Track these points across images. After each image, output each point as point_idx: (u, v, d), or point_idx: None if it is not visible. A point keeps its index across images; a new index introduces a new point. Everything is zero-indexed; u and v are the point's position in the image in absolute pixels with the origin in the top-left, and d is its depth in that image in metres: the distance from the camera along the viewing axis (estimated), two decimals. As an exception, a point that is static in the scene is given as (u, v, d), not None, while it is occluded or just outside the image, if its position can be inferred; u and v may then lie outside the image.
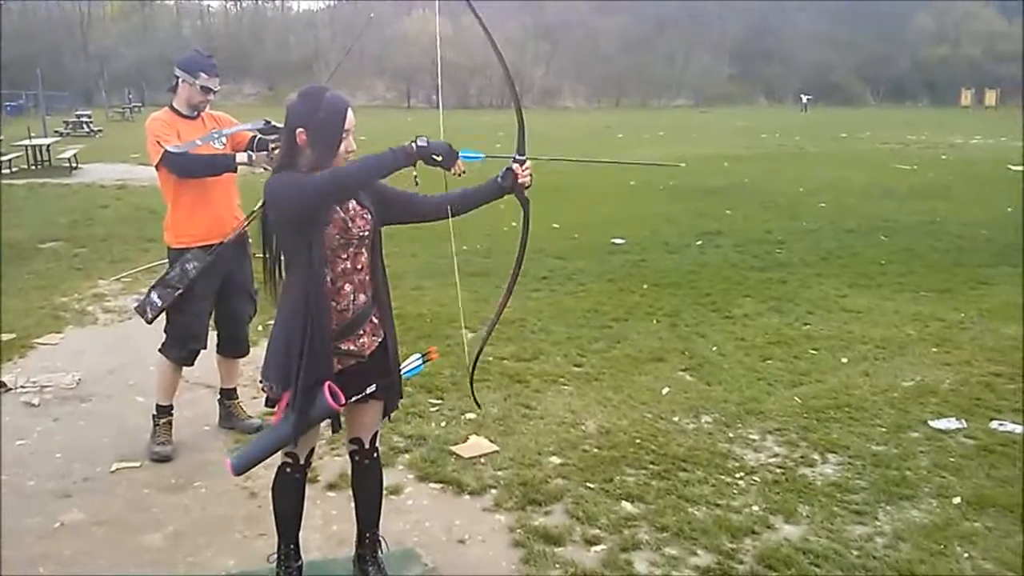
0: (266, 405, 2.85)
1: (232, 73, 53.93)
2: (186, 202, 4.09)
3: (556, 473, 3.96)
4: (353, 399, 2.72)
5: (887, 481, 3.86)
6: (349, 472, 3.14)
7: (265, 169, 3.83)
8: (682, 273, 8.10)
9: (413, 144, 2.57)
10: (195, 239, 4.09)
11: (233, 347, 4.50)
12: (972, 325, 6.35)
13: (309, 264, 2.59)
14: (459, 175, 2.67)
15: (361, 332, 2.77)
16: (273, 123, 3.97)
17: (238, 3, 77.21)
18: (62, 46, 57.49)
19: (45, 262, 8.62)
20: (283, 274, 2.72)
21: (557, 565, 3.23)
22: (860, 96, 70.41)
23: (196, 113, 4.16)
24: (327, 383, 2.61)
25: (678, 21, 72.10)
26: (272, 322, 2.78)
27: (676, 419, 4.60)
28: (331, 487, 3.81)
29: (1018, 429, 4.43)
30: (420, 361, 2.84)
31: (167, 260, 4.22)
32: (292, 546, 2.99)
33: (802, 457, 4.14)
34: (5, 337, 5.93)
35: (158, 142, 3.97)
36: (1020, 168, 17.01)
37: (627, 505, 3.66)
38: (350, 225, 2.67)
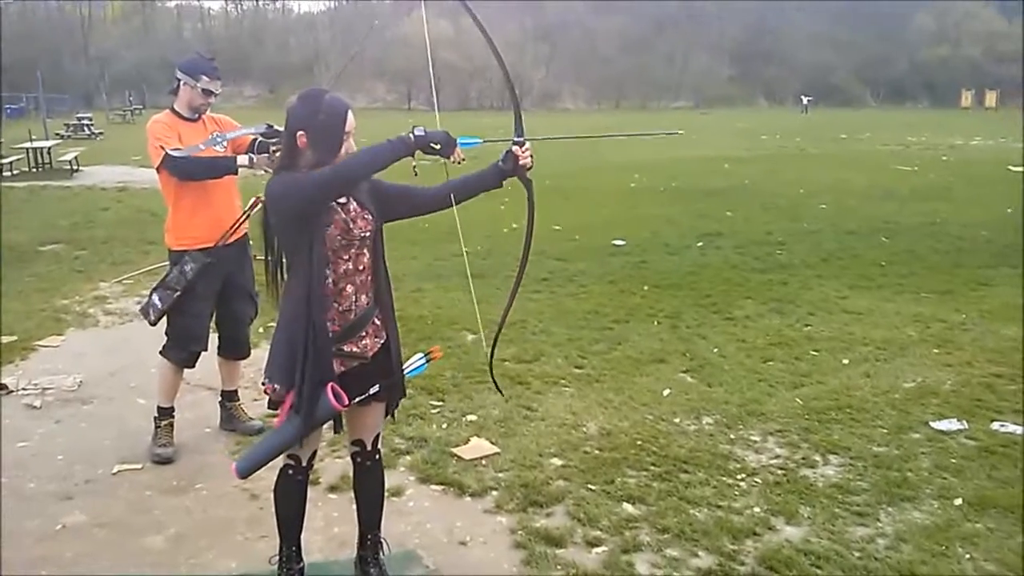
0: (269, 407, 2.85)
1: (233, 75, 53.89)
2: (187, 204, 4.09)
3: (557, 475, 3.96)
4: (356, 400, 2.72)
5: (888, 482, 3.85)
6: (350, 474, 3.14)
7: (266, 171, 3.83)
8: (683, 275, 8.10)
9: (411, 134, 2.57)
10: (196, 241, 4.10)
11: (234, 349, 4.50)
12: (973, 326, 6.34)
13: (310, 265, 2.59)
14: (459, 163, 2.67)
15: (364, 334, 2.77)
16: (275, 127, 3.97)
17: (239, 5, 77.35)
18: (62, 48, 57.61)
19: (46, 264, 8.63)
20: (284, 276, 2.73)
21: (558, 567, 3.23)
22: (860, 97, 70.39)
23: (197, 116, 4.16)
24: (330, 384, 2.62)
25: (677, 21, 72.07)
26: (273, 324, 2.78)
27: (677, 421, 4.61)
28: (332, 489, 3.81)
29: (1019, 430, 4.42)
30: (423, 360, 2.84)
31: (168, 262, 4.22)
32: (294, 548, 2.99)
33: (803, 458, 4.14)
34: (6, 339, 5.94)
35: (159, 145, 3.97)
36: (1020, 169, 17.01)
37: (628, 507, 3.66)
38: (351, 226, 2.67)
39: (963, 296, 7.28)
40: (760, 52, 72.36)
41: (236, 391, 4.60)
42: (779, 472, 3.99)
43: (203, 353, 4.32)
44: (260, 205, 2.91)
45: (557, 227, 10.34)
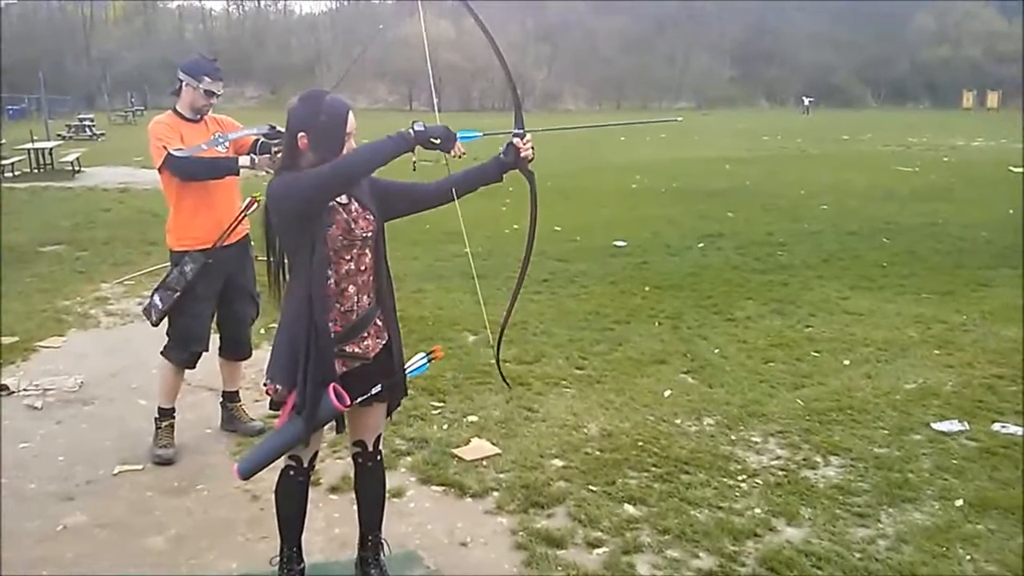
0: (270, 408, 2.85)
1: (234, 76, 54.01)
2: (188, 205, 4.10)
3: (558, 476, 3.96)
4: (358, 400, 2.72)
5: (889, 483, 3.85)
6: (351, 475, 3.15)
7: (268, 172, 3.84)
8: (684, 275, 8.10)
9: (411, 129, 2.57)
10: (197, 242, 4.10)
11: (235, 349, 4.50)
12: (974, 327, 6.34)
13: (312, 265, 2.59)
14: (459, 157, 2.67)
15: (365, 334, 2.78)
16: (277, 128, 3.97)
17: (240, 6, 77.41)
18: (64, 49, 57.66)
19: (47, 265, 8.63)
20: (286, 277, 2.73)
21: (559, 568, 3.23)
22: (861, 98, 70.37)
23: (199, 117, 4.16)
24: (332, 385, 2.62)
25: (677, 22, 72.09)
26: (275, 325, 2.78)
27: (678, 421, 4.60)
28: (333, 490, 3.82)
29: (1020, 431, 4.42)
30: (425, 360, 2.84)
31: (170, 263, 4.23)
32: (294, 549, 2.99)
33: (804, 459, 4.14)
34: (8, 340, 5.94)
35: (161, 145, 3.97)
36: (1021, 170, 16.99)
37: (629, 508, 3.66)
38: (353, 226, 2.67)
39: (964, 297, 7.28)
40: (761, 53, 72.35)
41: (237, 392, 4.60)
42: (780, 473, 3.99)
43: (204, 354, 4.32)
44: (259, 205, 2.91)
45: (558, 228, 10.34)
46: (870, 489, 3.82)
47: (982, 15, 71.74)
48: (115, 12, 72.32)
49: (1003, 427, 4.49)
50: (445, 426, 4.53)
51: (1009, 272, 8.16)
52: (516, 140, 2.79)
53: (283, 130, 2.73)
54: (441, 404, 4.84)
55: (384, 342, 2.85)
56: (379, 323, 2.83)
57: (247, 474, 2.78)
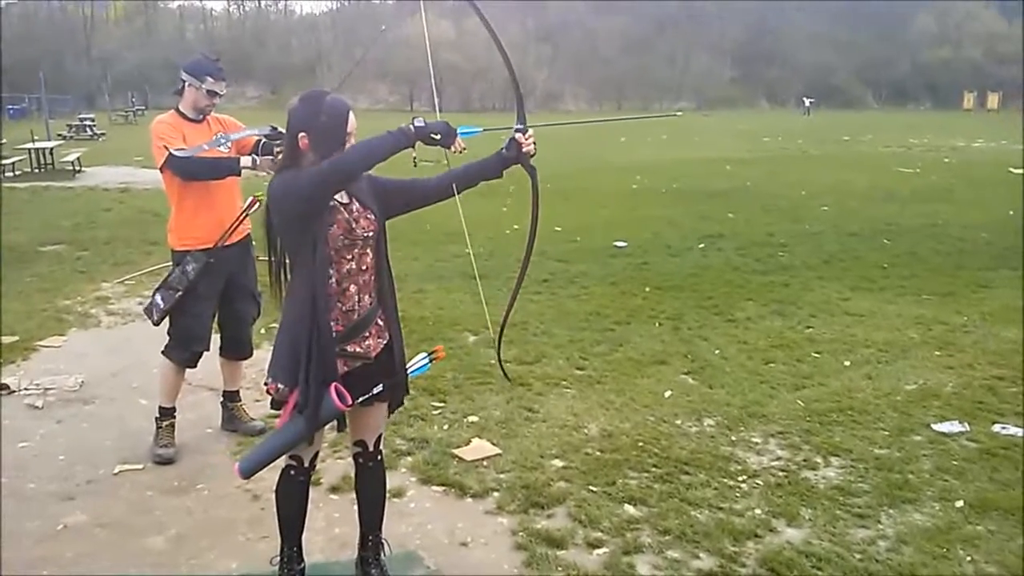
0: (271, 407, 2.85)
1: (235, 76, 53.85)
2: (190, 204, 4.10)
3: (558, 476, 3.96)
4: (359, 400, 2.72)
5: (890, 484, 3.85)
6: (352, 475, 3.14)
7: (269, 173, 3.84)
8: (684, 276, 8.10)
9: (411, 125, 2.57)
10: (199, 241, 4.11)
11: (236, 349, 4.50)
12: (974, 328, 6.34)
13: (313, 265, 2.59)
14: (459, 152, 2.67)
15: (367, 334, 2.78)
16: (279, 129, 3.98)
17: (241, 6, 77.41)
18: (65, 49, 57.65)
19: (48, 265, 8.63)
20: (288, 276, 2.73)
21: (559, 568, 3.23)
22: (862, 99, 70.39)
23: (202, 117, 4.17)
24: (333, 384, 2.62)
25: (677, 22, 72.09)
26: (276, 324, 2.78)
27: (678, 422, 4.60)
28: (334, 490, 3.82)
29: (1020, 432, 4.42)
30: (426, 360, 2.84)
31: (171, 262, 4.23)
32: (295, 549, 2.99)
33: (804, 460, 4.13)
34: (8, 340, 5.95)
35: (163, 145, 3.98)
36: (1021, 171, 16.99)
37: (629, 508, 3.66)
38: (354, 226, 2.67)
39: (965, 298, 7.28)
40: (762, 53, 72.37)
41: (238, 391, 4.60)
42: (780, 474, 3.99)
43: (205, 354, 4.32)
44: (260, 205, 2.92)
45: (558, 228, 10.34)
46: (870, 490, 3.82)
47: (983, 16, 71.76)
48: (116, 12, 72.31)
49: (1003, 428, 4.49)
50: (446, 426, 4.53)
51: (1009, 273, 8.16)
52: (518, 135, 2.79)
53: (284, 131, 2.73)
54: (442, 404, 4.84)
55: (385, 342, 2.85)
56: (380, 323, 2.83)
57: (248, 473, 2.78)
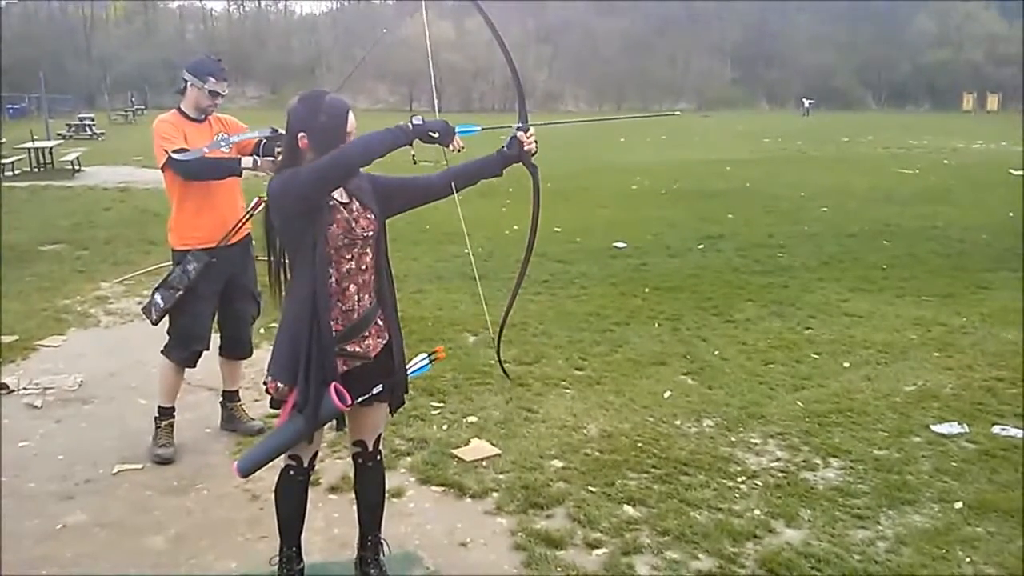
0: (271, 406, 2.85)
1: (235, 76, 53.73)
2: (191, 204, 4.10)
3: (558, 477, 3.96)
4: (359, 400, 2.72)
5: (889, 485, 3.85)
6: (351, 475, 3.14)
7: (270, 174, 3.84)
8: (683, 277, 8.11)
9: (409, 123, 2.57)
10: (199, 241, 4.11)
11: (236, 348, 4.50)
12: (974, 330, 6.34)
13: (313, 264, 2.59)
14: (458, 151, 2.67)
15: (366, 333, 2.78)
16: (280, 131, 3.98)
17: (241, 7, 77.41)
18: (65, 49, 57.61)
19: (48, 264, 8.63)
20: (287, 276, 2.73)
21: (558, 568, 3.23)
22: (861, 100, 70.46)
23: (203, 116, 4.17)
24: (333, 384, 2.62)
25: (678, 23, 72.11)
26: (275, 324, 2.78)
27: (678, 423, 4.61)
28: (333, 490, 3.82)
29: (1020, 434, 4.42)
30: (427, 360, 2.84)
31: (171, 261, 4.23)
32: (294, 549, 2.98)
33: (804, 461, 4.14)
34: (8, 339, 5.94)
35: (164, 144, 3.98)
36: (1021, 173, 17.00)
37: (629, 509, 3.66)
38: (354, 225, 2.67)
39: (964, 299, 7.28)
40: (762, 55, 72.44)
41: (237, 391, 4.60)
42: (779, 475, 3.99)
43: (204, 353, 4.32)
44: (265, 206, 2.92)
45: (558, 229, 10.34)
46: (869, 491, 3.82)
47: (983, 17, 71.77)
48: (116, 12, 72.27)
49: (1003, 430, 4.49)
50: (445, 427, 4.53)
51: (1009, 275, 8.16)
52: (520, 134, 2.80)
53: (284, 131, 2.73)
54: (441, 404, 4.84)
55: (385, 342, 2.85)
56: (380, 323, 2.83)
57: (246, 472, 2.77)
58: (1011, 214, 11.90)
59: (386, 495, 3.15)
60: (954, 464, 4.08)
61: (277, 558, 3.00)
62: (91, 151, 21.83)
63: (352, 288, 2.72)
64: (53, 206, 12.95)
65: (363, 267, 2.74)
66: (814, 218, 11.82)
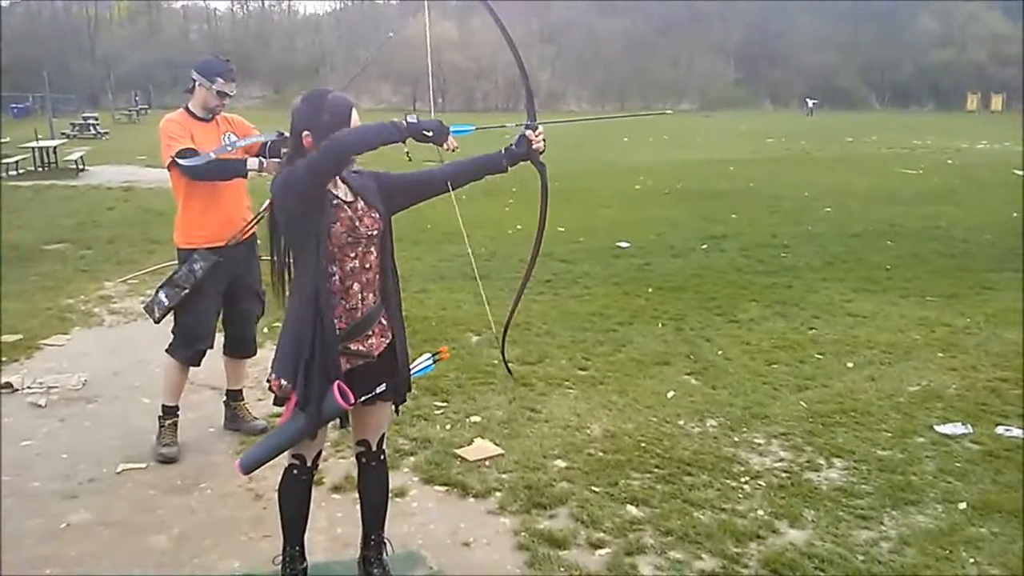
0: (274, 404, 2.85)
1: (238, 76, 53.55)
2: (197, 203, 4.11)
3: (561, 476, 3.95)
4: (362, 399, 2.72)
5: (892, 486, 3.85)
6: (354, 474, 3.14)
7: (275, 175, 3.85)
8: (687, 277, 8.10)
9: (404, 120, 2.57)
10: (205, 240, 4.12)
11: (240, 347, 4.51)
12: (978, 330, 6.33)
13: (316, 263, 2.60)
14: (452, 150, 2.68)
15: (370, 332, 2.77)
16: (286, 134, 3.99)
17: (245, 6, 77.49)
18: (69, 49, 57.70)
19: (51, 264, 8.65)
20: (291, 275, 2.74)
21: (562, 568, 3.22)
22: (865, 100, 70.35)
23: (211, 116, 4.19)
24: (336, 382, 2.62)
25: (680, 22, 72.06)
26: (279, 324, 2.78)
27: (681, 423, 4.60)
28: (336, 489, 3.82)
29: (1023, 434, 4.42)
30: (430, 360, 2.84)
31: (176, 260, 4.24)
32: (297, 548, 2.98)
33: (807, 462, 4.13)
34: (12, 338, 5.96)
35: (171, 144, 4.00)
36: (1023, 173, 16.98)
37: (632, 509, 3.66)
38: (357, 224, 2.68)
39: (968, 300, 7.27)
40: (765, 55, 72.35)
41: (241, 391, 4.60)
42: (783, 475, 3.98)
43: (208, 353, 4.33)
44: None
45: (561, 228, 10.34)
46: (873, 491, 3.81)
47: (986, 17, 71.61)
48: (119, 12, 72.33)
49: (1006, 430, 4.48)
50: (448, 426, 4.53)
51: (1012, 275, 8.14)
52: (528, 132, 2.81)
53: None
54: (444, 404, 4.84)
55: (388, 341, 2.85)
56: (384, 322, 2.83)
57: (248, 469, 2.77)
58: (1015, 214, 11.88)
59: (389, 495, 3.15)
60: (958, 465, 4.08)
61: (280, 557, 3.00)
62: (95, 150, 21.85)
63: (356, 286, 2.72)
64: (57, 205, 12.97)
65: (367, 265, 2.75)
66: (818, 218, 11.81)
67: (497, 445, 4.28)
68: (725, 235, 10.39)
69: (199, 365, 4.35)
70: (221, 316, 4.39)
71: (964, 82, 65.41)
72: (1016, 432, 4.44)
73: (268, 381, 2.75)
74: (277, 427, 2.82)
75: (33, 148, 17.99)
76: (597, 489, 3.83)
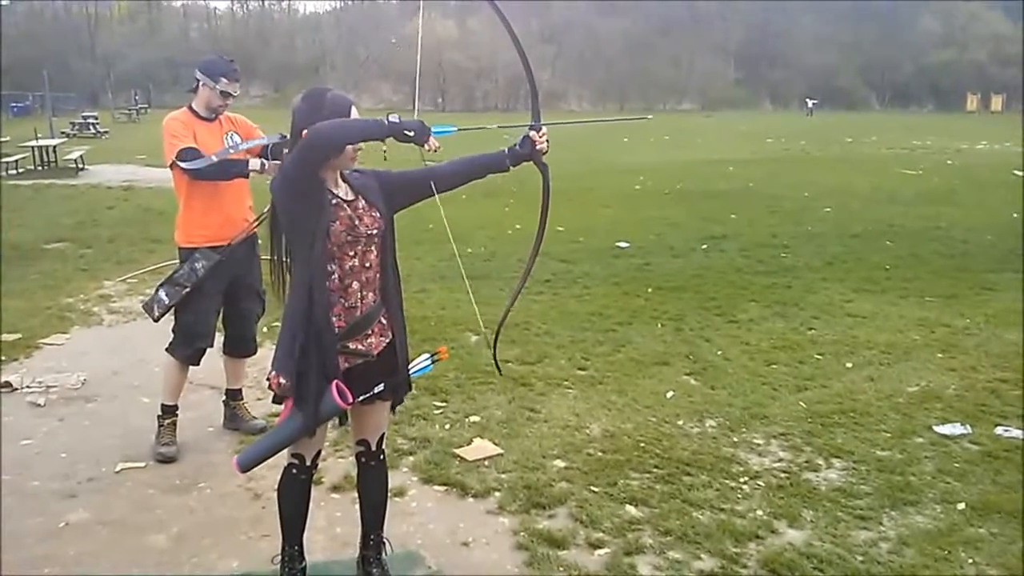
0: (273, 402, 2.85)
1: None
2: (198, 202, 4.12)
3: (560, 476, 3.95)
4: (361, 398, 2.72)
5: (891, 486, 3.85)
6: (353, 474, 3.15)
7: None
8: (687, 277, 8.10)
9: (385, 119, 2.58)
10: (206, 239, 4.12)
11: (240, 346, 4.51)
12: (977, 331, 6.33)
13: (315, 261, 2.60)
14: (433, 151, 2.68)
15: (369, 332, 2.77)
16: (288, 136, 4.00)
17: (245, 6, 77.52)
18: (69, 48, 57.74)
19: (51, 263, 8.65)
20: (290, 274, 2.74)
21: (561, 568, 3.22)
22: (865, 100, 70.39)
23: (214, 116, 4.19)
24: (335, 382, 2.62)
25: (681, 22, 72.06)
26: (277, 323, 2.78)
27: (680, 423, 4.60)
28: (335, 489, 3.81)
29: (1022, 435, 4.41)
30: (429, 361, 2.83)
31: (176, 259, 4.25)
32: (296, 547, 2.98)
33: (806, 462, 4.13)
34: (11, 337, 5.95)
35: (173, 143, 4.00)
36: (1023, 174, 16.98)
37: (631, 509, 3.66)
38: (357, 223, 2.68)
39: (967, 300, 7.27)
40: (765, 55, 72.39)
41: (240, 390, 4.60)
42: (782, 475, 3.98)
43: (208, 352, 4.33)
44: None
45: (561, 229, 10.33)
46: (872, 492, 3.81)
47: (987, 18, 71.63)
48: (120, 11, 72.35)
49: (1006, 431, 4.48)
50: (447, 426, 4.53)
51: (1012, 276, 8.14)
52: (532, 132, 2.82)
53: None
54: (443, 404, 4.84)
55: (388, 340, 2.85)
56: (383, 321, 2.83)
57: (246, 467, 2.77)
58: (1015, 215, 11.87)
59: (388, 494, 3.15)
60: (957, 465, 4.08)
61: (279, 557, 3.00)
62: (95, 149, 21.85)
63: (355, 285, 2.72)
64: (57, 204, 12.97)
65: (367, 264, 2.74)
66: (817, 218, 11.81)
67: (496, 445, 4.28)
68: (725, 235, 10.39)
69: (199, 364, 4.35)
70: (221, 315, 4.39)
71: (964, 82, 65.46)
72: (1015, 433, 4.44)
73: (268, 379, 2.75)
74: (275, 426, 2.82)
75: (33, 147, 17.99)
76: (596, 489, 3.83)
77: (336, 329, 2.67)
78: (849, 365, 5.56)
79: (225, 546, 3.38)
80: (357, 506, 3.13)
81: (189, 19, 73.86)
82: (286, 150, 3.90)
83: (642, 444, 4.29)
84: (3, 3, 50.10)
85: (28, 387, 5.06)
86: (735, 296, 7.36)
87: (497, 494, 3.79)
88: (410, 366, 2.86)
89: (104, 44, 63.18)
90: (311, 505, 3.00)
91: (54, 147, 18.59)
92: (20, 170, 17.06)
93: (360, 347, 2.76)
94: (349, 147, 2.63)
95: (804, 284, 7.84)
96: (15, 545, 3.35)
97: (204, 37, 68.00)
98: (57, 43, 55.93)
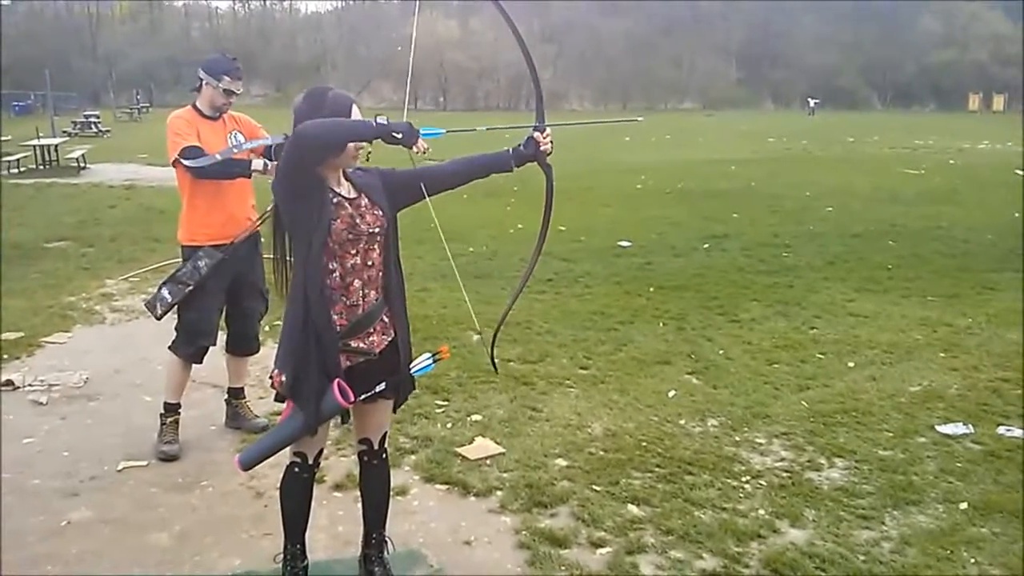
0: (276, 400, 2.85)
1: (240, 74, 54.07)
2: (201, 201, 4.13)
3: (562, 475, 3.95)
4: (362, 397, 2.72)
5: (894, 486, 3.85)
6: (355, 473, 3.14)
7: None
8: (688, 276, 8.10)
9: (374, 121, 2.58)
10: (208, 237, 4.13)
11: (243, 344, 4.51)
12: (979, 330, 6.33)
13: (313, 259, 2.60)
14: (422, 153, 2.68)
15: (371, 330, 2.77)
16: None
17: (246, 5, 77.55)
18: (70, 47, 57.76)
19: (53, 262, 8.65)
20: (291, 272, 2.74)
21: (562, 567, 3.22)
22: (867, 100, 70.33)
23: (217, 114, 4.20)
24: (336, 380, 2.62)
25: (682, 22, 72.02)
26: (279, 322, 2.78)
27: (682, 422, 4.60)
28: (337, 487, 3.82)
29: (1025, 435, 4.41)
30: (430, 360, 2.83)
31: (179, 257, 4.25)
32: (298, 546, 2.98)
33: (808, 461, 4.13)
34: (13, 336, 5.96)
35: (176, 141, 4.00)
36: (1025, 173, 16.96)
37: (633, 508, 3.66)
38: (358, 221, 2.67)
39: (969, 300, 7.26)
40: (767, 54, 72.35)
41: (242, 388, 4.61)
42: (784, 475, 3.98)
43: (211, 350, 4.33)
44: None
45: (562, 228, 10.33)
46: (874, 491, 3.81)
47: (988, 17, 71.55)
48: (121, 10, 72.35)
49: (1008, 430, 4.48)
50: (449, 425, 4.53)
51: (1014, 276, 8.14)
52: (536, 134, 2.82)
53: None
54: (445, 403, 4.84)
55: (390, 339, 2.84)
56: (386, 319, 2.83)
57: (248, 465, 2.77)
58: (1016, 215, 11.86)
59: (391, 493, 3.15)
60: (959, 465, 4.08)
61: (281, 555, 3.00)
62: (96, 148, 21.86)
63: (357, 283, 2.72)
64: (58, 203, 12.97)
65: (369, 263, 2.74)
66: (819, 218, 11.80)
67: (498, 444, 4.29)
68: (726, 235, 10.39)
69: (202, 362, 4.36)
70: (224, 314, 4.40)
71: (966, 82, 65.36)
72: (1017, 432, 4.44)
73: (270, 377, 2.75)
74: (277, 424, 2.82)
75: (34, 146, 18.00)
76: (598, 488, 3.82)
77: (338, 327, 2.67)
78: (851, 364, 5.56)
79: (227, 544, 3.39)
80: (359, 505, 3.14)
81: (191, 18, 73.88)
82: None
83: (644, 443, 4.29)
84: (4, 3, 50.18)
85: (30, 385, 5.06)
86: (737, 295, 7.36)
87: (499, 493, 3.79)
88: (412, 365, 2.86)
89: (106, 43, 63.20)
90: (313, 504, 3.00)
91: (56, 146, 18.60)
92: (22, 169, 17.08)
93: (362, 345, 2.76)
94: (350, 146, 2.63)
95: (806, 283, 7.84)
96: (17, 543, 3.36)
97: (205, 36, 68.05)
98: (58, 42, 55.96)
